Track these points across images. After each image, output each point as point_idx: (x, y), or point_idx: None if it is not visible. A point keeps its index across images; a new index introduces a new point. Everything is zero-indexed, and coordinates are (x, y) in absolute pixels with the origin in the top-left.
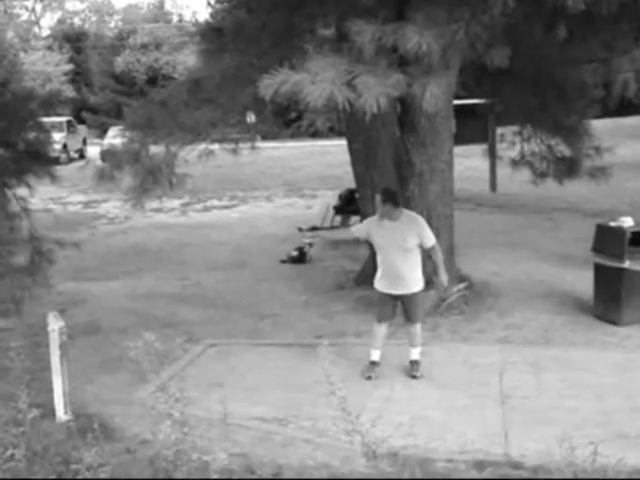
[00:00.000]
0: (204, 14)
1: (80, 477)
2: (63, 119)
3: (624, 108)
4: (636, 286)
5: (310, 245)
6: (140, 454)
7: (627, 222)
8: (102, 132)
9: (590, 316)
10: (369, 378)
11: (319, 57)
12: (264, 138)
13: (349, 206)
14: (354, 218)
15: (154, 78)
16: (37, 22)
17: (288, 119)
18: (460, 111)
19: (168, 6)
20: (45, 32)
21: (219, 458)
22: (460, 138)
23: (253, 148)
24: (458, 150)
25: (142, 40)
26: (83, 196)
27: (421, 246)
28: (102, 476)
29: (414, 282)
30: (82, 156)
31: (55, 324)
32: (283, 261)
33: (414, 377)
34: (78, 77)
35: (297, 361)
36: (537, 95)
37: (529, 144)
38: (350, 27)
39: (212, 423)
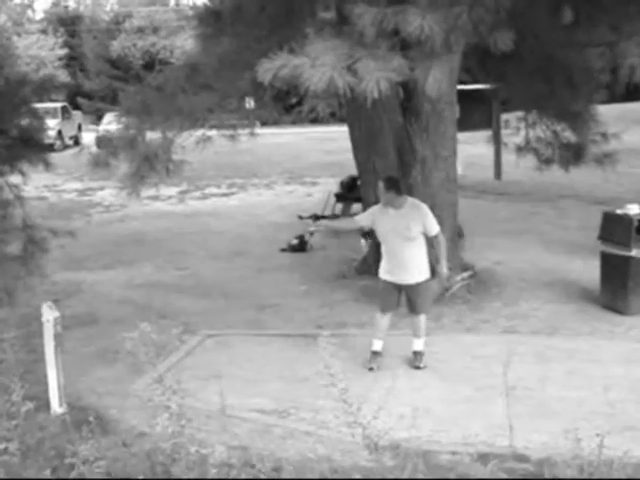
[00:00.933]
0: None
1: (75, 471)
2: (57, 105)
3: (631, 93)
4: None
5: (311, 233)
6: (137, 447)
7: (634, 210)
8: (97, 118)
9: (596, 305)
10: (371, 369)
11: (319, 41)
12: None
13: (351, 193)
14: (356, 206)
15: (151, 63)
16: (31, 5)
17: (288, 105)
18: (464, 96)
19: None
20: (39, 15)
21: (217, 451)
22: (464, 124)
23: (252, 134)
24: (462, 136)
25: (138, 24)
26: (78, 184)
27: (425, 235)
28: (98, 470)
29: (419, 271)
30: (77, 143)
31: (49, 315)
32: (283, 250)
33: (417, 368)
34: (73, 62)
35: (297, 352)
36: (542, 80)
37: (534, 130)
38: (351, 10)
39: (210, 415)
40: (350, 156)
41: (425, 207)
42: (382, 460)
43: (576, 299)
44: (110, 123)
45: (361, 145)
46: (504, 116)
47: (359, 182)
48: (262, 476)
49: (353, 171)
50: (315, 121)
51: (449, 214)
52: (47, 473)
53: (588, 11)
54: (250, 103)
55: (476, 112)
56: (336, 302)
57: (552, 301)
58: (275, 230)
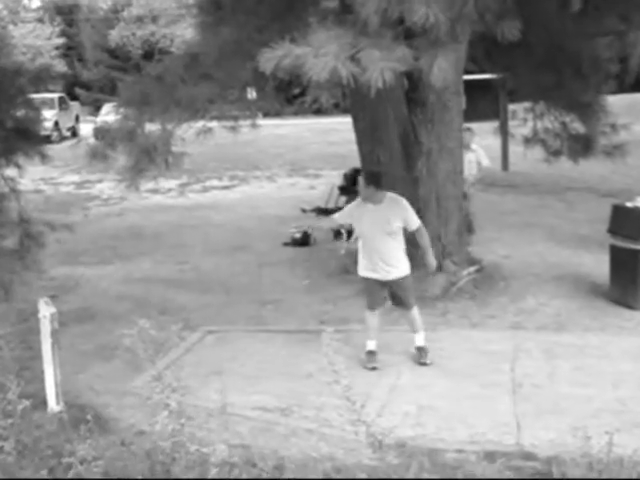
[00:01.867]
0: None
1: (73, 471)
2: (54, 95)
3: None
4: None
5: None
6: (136, 446)
7: None
8: (95, 109)
9: (606, 300)
10: (374, 368)
11: (322, 30)
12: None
13: (354, 186)
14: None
15: (150, 52)
16: None
17: (291, 95)
18: (470, 87)
19: None
20: (35, 3)
21: (218, 450)
22: (470, 115)
23: (254, 126)
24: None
25: (137, 12)
26: (76, 176)
27: (405, 229)
28: (96, 470)
29: (400, 266)
30: (74, 134)
31: (46, 310)
32: (286, 244)
33: (424, 364)
34: (70, 51)
35: (300, 348)
36: (551, 70)
37: (542, 121)
38: None
39: (211, 413)
40: (354, 148)
41: (405, 202)
42: (386, 459)
43: (585, 294)
44: (108, 114)
45: (365, 137)
46: (511, 107)
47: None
48: (264, 475)
49: (357, 163)
50: (318, 112)
51: (455, 207)
52: (44, 473)
53: (597, 0)
54: (252, 94)
55: (483, 103)
56: (339, 297)
57: (560, 296)
58: (277, 224)
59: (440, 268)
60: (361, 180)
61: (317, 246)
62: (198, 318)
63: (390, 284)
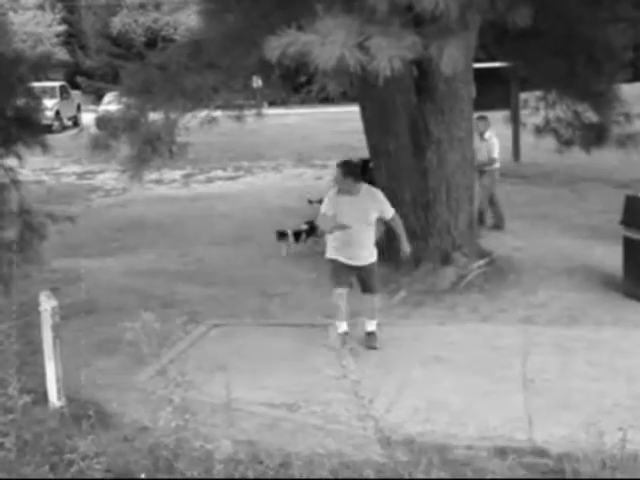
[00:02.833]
0: None
1: (75, 468)
2: (55, 84)
3: None
4: None
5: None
6: (139, 442)
7: None
8: (97, 98)
9: (619, 293)
10: (374, 347)
11: (329, 17)
12: (271, 104)
13: (362, 176)
14: None
15: (153, 40)
16: None
17: (297, 84)
18: (481, 75)
19: None
20: None
21: (223, 446)
22: (481, 104)
23: (259, 115)
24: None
25: None
26: (77, 167)
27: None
28: (98, 467)
29: (370, 253)
30: (76, 124)
31: (47, 304)
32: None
33: (374, 348)
34: (72, 39)
35: (307, 342)
36: (563, 58)
37: (554, 110)
38: None
39: (216, 409)
40: (362, 137)
41: (380, 193)
42: (395, 455)
43: (597, 287)
44: (110, 103)
45: (373, 126)
46: (523, 95)
47: (371, 165)
48: (270, 472)
49: (365, 153)
50: (325, 101)
51: (465, 198)
52: (45, 470)
53: None
54: (257, 82)
55: (493, 91)
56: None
57: (572, 289)
58: (283, 215)
59: (449, 260)
60: (337, 171)
61: (323, 238)
62: (203, 311)
63: (360, 270)
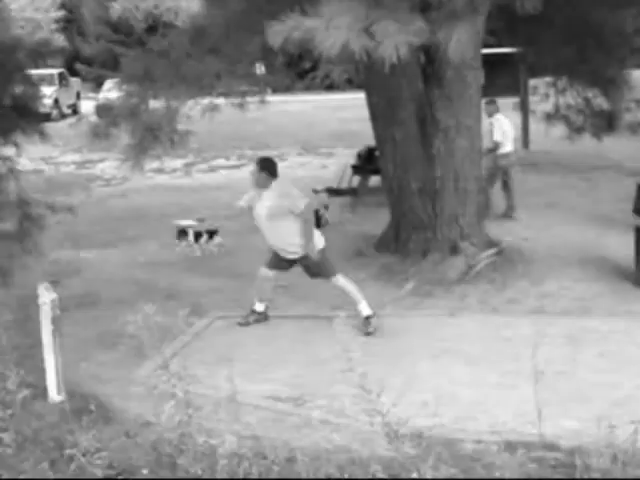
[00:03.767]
0: None
1: (75, 463)
2: (54, 71)
3: None
4: None
5: (326, 208)
6: (141, 438)
7: None
8: (97, 85)
9: (631, 283)
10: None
11: (333, 1)
12: (275, 91)
13: (368, 165)
14: (374, 178)
15: (154, 26)
16: None
17: (301, 70)
18: (489, 61)
19: None
20: None
21: (227, 441)
22: (489, 90)
23: (262, 102)
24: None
25: None
26: (77, 156)
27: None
28: (99, 462)
29: (293, 249)
30: (75, 112)
31: (47, 296)
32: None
33: (368, 334)
34: (70, 25)
35: (312, 335)
36: (573, 43)
37: (564, 97)
38: None
39: (220, 403)
40: (368, 125)
41: (289, 188)
42: (403, 450)
43: (609, 277)
44: (110, 91)
45: (379, 114)
46: (532, 82)
47: (377, 153)
48: (275, 468)
49: (371, 141)
50: (330, 88)
51: (473, 187)
52: (45, 465)
53: None
54: (260, 69)
55: (502, 78)
56: (354, 281)
57: (584, 279)
58: None
59: (458, 250)
60: (255, 166)
61: (329, 228)
62: (206, 303)
63: (297, 262)
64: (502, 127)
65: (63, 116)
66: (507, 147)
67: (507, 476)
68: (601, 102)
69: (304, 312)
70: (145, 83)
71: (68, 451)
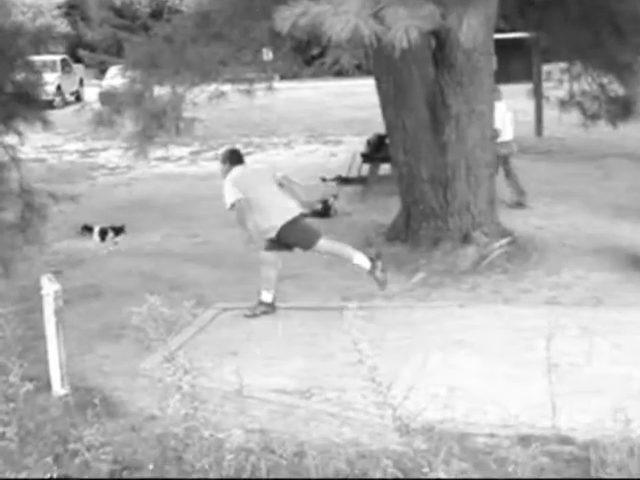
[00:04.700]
0: None
1: (79, 458)
2: (57, 57)
3: None
4: None
5: (335, 197)
6: (146, 432)
7: None
8: (101, 72)
9: None
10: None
11: None
12: (282, 78)
13: (378, 153)
14: (384, 166)
15: (158, 11)
16: None
17: (309, 56)
18: (501, 46)
19: None
20: None
21: (234, 435)
22: (501, 76)
23: (270, 89)
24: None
25: None
26: (80, 144)
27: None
28: (104, 457)
29: (262, 234)
30: (78, 99)
31: (50, 287)
32: (305, 215)
33: (380, 284)
34: (73, 10)
35: (321, 326)
36: (588, 28)
37: (579, 83)
38: None
39: (226, 396)
40: (377, 112)
41: (225, 182)
42: (414, 444)
43: (624, 267)
44: (114, 77)
45: (389, 100)
46: (545, 67)
47: (387, 141)
48: (283, 462)
49: (381, 128)
50: (339, 74)
51: (485, 175)
52: (48, 460)
53: None
54: (267, 54)
55: (515, 63)
56: (363, 271)
57: (598, 269)
58: None
59: (469, 240)
60: (220, 157)
61: (338, 217)
62: (212, 294)
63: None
64: (502, 115)
65: (66, 103)
66: (507, 135)
67: (520, 470)
68: (616, 88)
69: (312, 303)
70: (149, 69)
71: (72, 445)
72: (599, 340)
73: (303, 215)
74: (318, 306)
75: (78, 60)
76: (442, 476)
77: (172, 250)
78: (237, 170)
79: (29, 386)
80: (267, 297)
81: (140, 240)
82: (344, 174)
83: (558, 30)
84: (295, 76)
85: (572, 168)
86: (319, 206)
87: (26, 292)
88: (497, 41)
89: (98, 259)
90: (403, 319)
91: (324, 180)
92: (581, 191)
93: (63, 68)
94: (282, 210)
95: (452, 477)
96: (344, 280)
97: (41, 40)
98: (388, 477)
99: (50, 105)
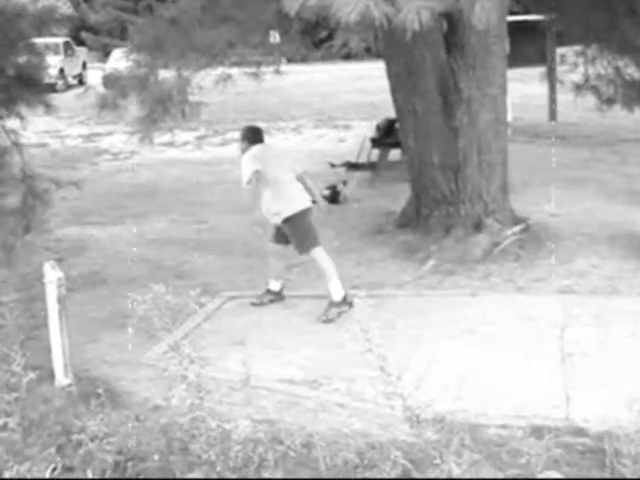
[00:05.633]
0: None
1: (83, 449)
2: (59, 40)
3: None
4: None
5: (344, 183)
6: (151, 422)
7: None
8: (104, 55)
9: None
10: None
11: None
12: (290, 61)
13: (388, 138)
14: (394, 152)
15: None
16: None
17: (317, 39)
18: (515, 29)
19: None
20: None
21: (241, 426)
22: (515, 60)
23: (277, 72)
24: (512, 73)
25: None
26: (83, 128)
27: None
28: (108, 448)
29: (273, 214)
30: (81, 82)
31: (52, 275)
32: (313, 201)
33: (324, 321)
34: None
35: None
36: (603, 9)
37: (594, 66)
38: None
39: (233, 386)
40: (387, 96)
41: (244, 158)
42: (424, 435)
43: None
44: (118, 60)
45: (399, 84)
46: (559, 50)
47: (397, 125)
48: (291, 453)
49: (391, 113)
50: (348, 57)
51: (498, 161)
52: (52, 451)
53: None
54: (275, 37)
55: (528, 46)
56: (373, 259)
57: (613, 257)
58: None
59: (481, 227)
60: (239, 133)
61: (347, 204)
62: (218, 283)
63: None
64: None
65: (69, 87)
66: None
67: (533, 462)
68: (633, 72)
69: (321, 292)
70: (155, 52)
71: (76, 436)
72: (614, 329)
73: (310, 212)
74: (327, 295)
75: (81, 43)
76: (453, 467)
77: (177, 237)
78: (257, 147)
79: (32, 376)
80: (275, 285)
81: (144, 227)
82: (353, 160)
83: (573, 12)
84: (303, 59)
85: (586, 153)
86: (327, 192)
87: (28, 280)
88: (510, 23)
89: (100, 246)
90: (414, 308)
91: (333, 166)
92: (596, 177)
93: (66, 51)
94: (294, 197)
95: (464, 468)
96: (354, 268)
97: (43, 22)
98: (398, 468)
99: (52, 88)
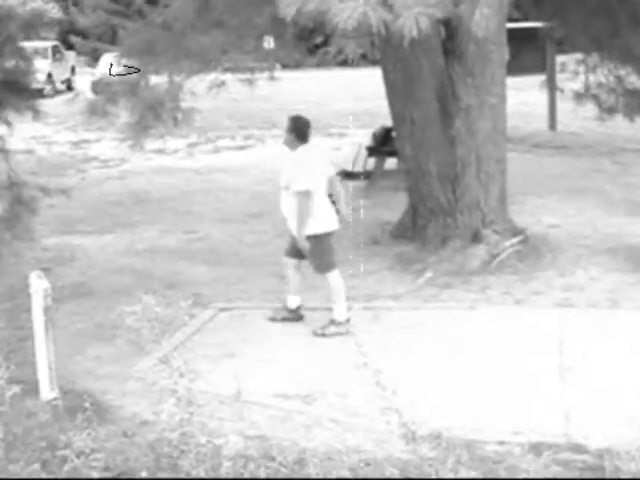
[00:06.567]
0: None
1: (69, 465)
2: (48, 44)
3: None
4: None
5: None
6: (139, 438)
7: None
8: (94, 60)
9: None
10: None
11: None
12: (284, 67)
13: (384, 147)
14: (390, 160)
15: None
16: None
17: (312, 45)
18: (514, 36)
19: None
20: None
21: (232, 441)
22: (514, 67)
23: (271, 78)
24: (512, 81)
25: None
26: (71, 135)
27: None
28: (94, 464)
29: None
30: (70, 87)
31: (38, 285)
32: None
33: (317, 334)
34: None
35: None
36: (605, 17)
37: (595, 74)
38: None
39: (224, 401)
40: (384, 104)
41: (299, 161)
42: (420, 451)
43: None
44: (108, 65)
45: (396, 91)
46: (560, 58)
47: (394, 134)
48: (283, 470)
49: (387, 121)
50: (343, 64)
51: (496, 171)
52: (36, 467)
53: None
54: (269, 43)
55: (528, 54)
56: (368, 271)
57: (614, 269)
58: None
59: (479, 238)
60: (287, 123)
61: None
62: (209, 293)
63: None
64: None
65: (57, 92)
66: None
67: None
68: (634, 80)
69: (314, 304)
70: (146, 57)
71: (61, 452)
72: (614, 343)
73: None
74: (321, 306)
75: (70, 47)
76: None
77: (168, 246)
78: (309, 150)
79: (16, 389)
80: (292, 302)
81: (134, 236)
82: (349, 168)
83: (574, 19)
84: (298, 65)
85: (587, 163)
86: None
87: (14, 290)
88: (510, 31)
89: (89, 256)
90: (410, 321)
91: None
92: (596, 188)
93: (54, 55)
94: (330, 215)
95: None
96: (349, 280)
97: (32, 25)
98: None
99: (40, 94)
